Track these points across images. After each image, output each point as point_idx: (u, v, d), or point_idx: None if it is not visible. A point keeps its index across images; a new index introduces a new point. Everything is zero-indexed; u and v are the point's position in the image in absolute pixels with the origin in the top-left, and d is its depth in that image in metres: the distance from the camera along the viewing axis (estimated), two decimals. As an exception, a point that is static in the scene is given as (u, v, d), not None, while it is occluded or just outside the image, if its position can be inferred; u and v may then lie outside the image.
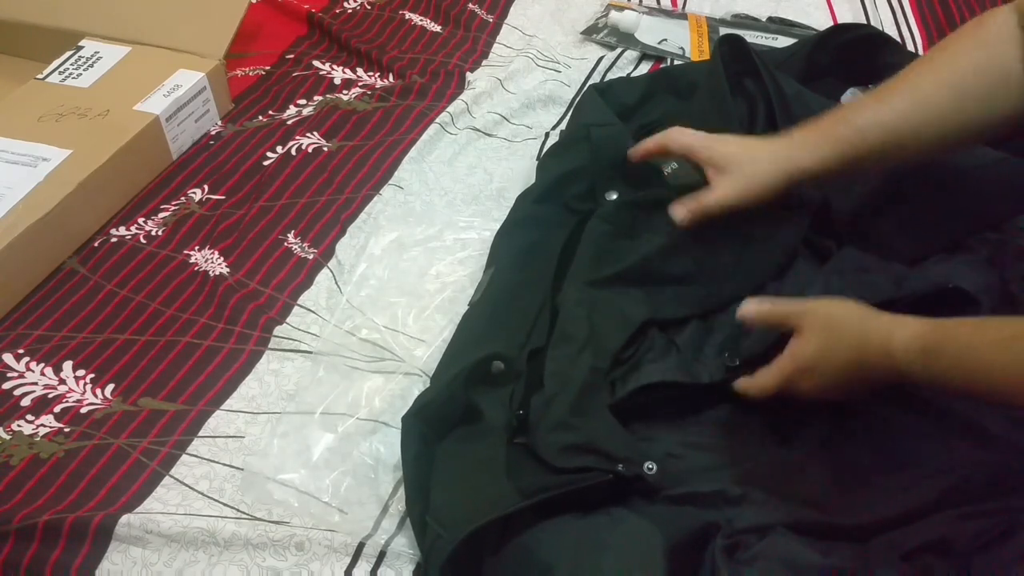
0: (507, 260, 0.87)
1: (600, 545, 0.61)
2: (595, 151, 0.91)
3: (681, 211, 0.79)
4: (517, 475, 0.68)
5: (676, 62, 1.27)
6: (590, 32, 1.35)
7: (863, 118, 0.74)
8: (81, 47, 1.16)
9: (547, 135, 1.13)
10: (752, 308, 0.71)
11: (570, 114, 1.14)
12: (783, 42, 1.25)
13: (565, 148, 0.97)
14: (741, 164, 0.76)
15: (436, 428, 0.72)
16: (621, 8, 1.36)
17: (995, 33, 0.71)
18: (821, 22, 1.35)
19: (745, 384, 0.70)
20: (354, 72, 1.27)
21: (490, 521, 0.62)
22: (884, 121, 0.73)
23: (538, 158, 1.09)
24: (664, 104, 1.04)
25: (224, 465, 0.75)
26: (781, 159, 0.75)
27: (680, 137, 0.81)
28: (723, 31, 1.33)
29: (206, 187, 1.06)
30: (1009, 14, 0.71)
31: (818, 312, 0.67)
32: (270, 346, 0.86)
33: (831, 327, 0.66)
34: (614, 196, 0.89)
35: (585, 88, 1.23)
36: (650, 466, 0.66)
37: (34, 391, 0.82)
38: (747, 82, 0.97)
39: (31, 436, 0.77)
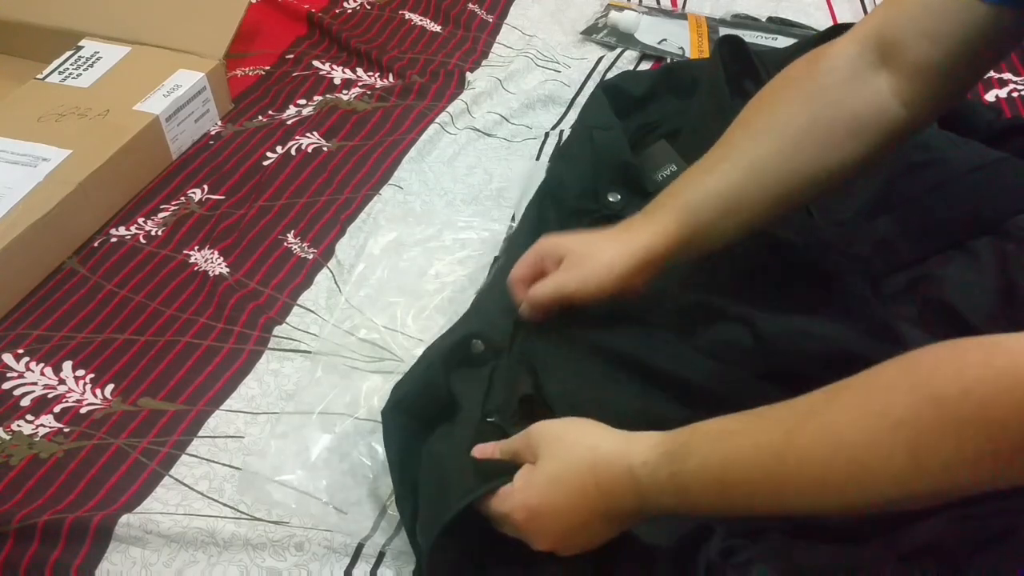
0: (507, 259, 0.87)
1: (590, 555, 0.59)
2: (596, 154, 0.91)
3: (524, 311, 0.74)
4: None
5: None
6: (590, 32, 1.35)
7: (696, 195, 0.68)
8: (81, 47, 1.16)
9: (547, 135, 1.13)
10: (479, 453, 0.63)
11: (579, 113, 1.13)
12: (783, 42, 1.25)
13: (570, 148, 0.97)
14: (577, 256, 0.71)
15: (420, 418, 0.70)
16: (621, 8, 1.36)
17: (830, 79, 0.66)
18: (821, 22, 1.35)
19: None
20: (354, 72, 1.27)
21: (454, 517, 0.59)
22: (719, 192, 0.68)
23: (537, 158, 1.09)
24: (666, 105, 1.04)
25: (224, 465, 0.75)
26: (620, 250, 0.69)
27: (535, 292, 0.73)
28: (723, 31, 1.33)
29: (206, 187, 1.06)
30: (848, 47, 0.67)
31: (543, 433, 0.59)
32: (269, 346, 0.86)
33: (559, 448, 0.58)
34: (617, 197, 0.89)
35: (589, 87, 1.23)
36: None
37: (34, 391, 0.82)
38: (747, 83, 0.97)
39: (31, 436, 0.78)
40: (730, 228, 0.69)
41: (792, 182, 0.67)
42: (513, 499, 0.58)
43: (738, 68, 0.97)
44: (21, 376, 0.83)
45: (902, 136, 0.67)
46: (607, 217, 0.87)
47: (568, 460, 0.57)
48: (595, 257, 0.70)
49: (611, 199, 0.89)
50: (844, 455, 0.46)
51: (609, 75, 1.25)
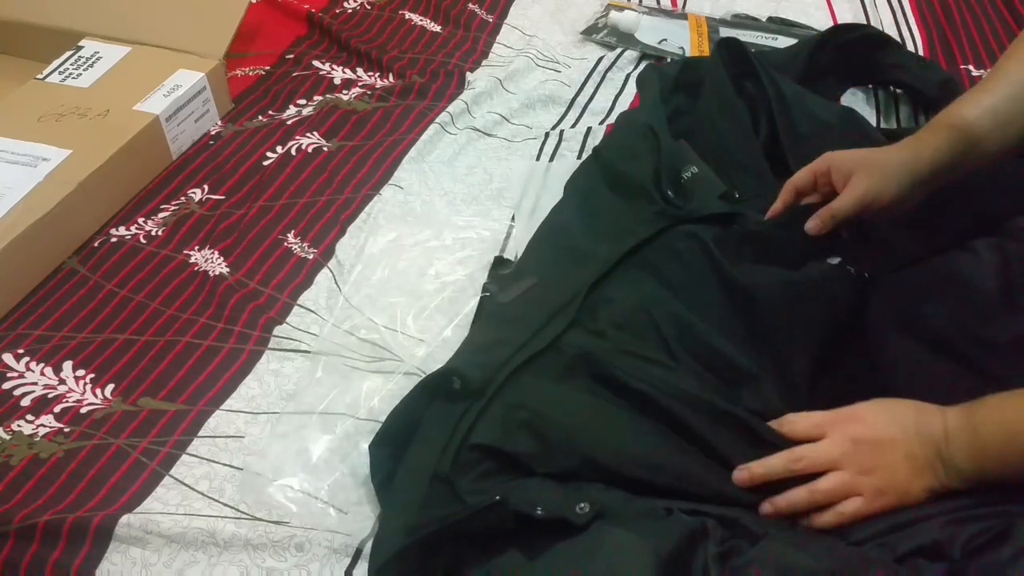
0: (547, 252, 0.88)
1: (586, 562, 0.58)
2: (660, 156, 0.90)
3: (813, 223, 0.78)
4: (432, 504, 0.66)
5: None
6: (590, 32, 1.35)
7: (971, 110, 0.76)
8: (81, 47, 1.16)
9: (547, 135, 1.13)
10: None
11: (638, 95, 1.11)
12: (783, 42, 1.25)
13: (632, 141, 0.95)
14: (866, 165, 0.76)
15: (404, 446, 0.70)
16: (621, 8, 1.36)
17: None
18: (821, 22, 1.35)
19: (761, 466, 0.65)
20: (354, 72, 1.27)
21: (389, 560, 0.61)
22: (990, 107, 0.76)
23: (537, 158, 1.09)
24: (676, 101, 1.03)
25: (224, 465, 0.75)
26: (907, 159, 0.76)
27: (798, 176, 0.81)
28: (723, 31, 1.33)
29: (206, 187, 1.06)
30: None
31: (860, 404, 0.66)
32: (270, 346, 0.86)
33: (877, 401, 0.65)
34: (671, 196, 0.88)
35: (589, 87, 1.22)
36: (583, 506, 0.62)
37: (34, 391, 0.82)
38: (747, 84, 0.97)
39: (31, 436, 0.77)
40: (1000, 142, 0.76)
41: None
42: (841, 434, 0.63)
43: (737, 71, 0.97)
44: (21, 376, 0.83)
45: None
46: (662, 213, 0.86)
47: (893, 402, 0.64)
48: (889, 167, 0.75)
49: (670, 194, 0.88)
50: None
51: (609, 75, 1.25)
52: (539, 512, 0.62)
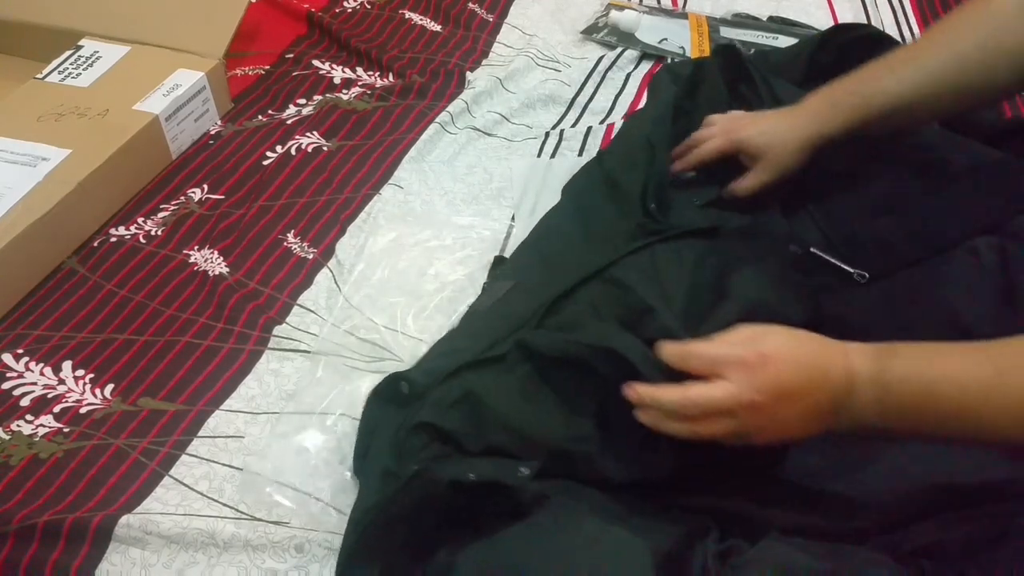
0: (533, 257, 0.89)
1: (584, 560, 0.58)
2: (650, 172, 0.90)
3: (725, 193, 0.86)
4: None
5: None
6: (590, 31, 1.35)
7: (869, 87, 0.79)
8: (80, 47, 1.16)
9: (547, 135, 1.13)
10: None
11: (645, 102, 1.10)
12: (784, 41, 1.25)
13: (632, 150, 0.95)
14: (771, 149, 0.83)
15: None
16: (621, 7, 1.36)
17: (1001, 9, 0.74)
18: (822, 22, 1.35)
19: (649, 392, 0.60)
20: (354, 72, 1.27)
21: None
22: (888, 90, 0.78)
23: (538, 157, 1.09)
24: (684, 101, 1.03)
25: (224, 465, 0.75)
26: (804, 136, 0.81)
27: (710, 146, 0.87)
28: (724, 30, 1.33)
29: (205, 187, 1.06)
30: None
31: (759, 327, 0.61)
32: (269, 346, 0.85)
33: (780, 330, 0.60)
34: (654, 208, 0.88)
35: (590, 86, 1.22)
36: (523, 470, 0.62)
37: (33, 391, 0.82)
38: (742, 88, 0.97)
39: (30, 436, 0.77)
40: (892, 122, 0.80)
41: (957, 93, 0.77)
42: (746, 382, 0.57)
43: (733, 75, 0.98)
44: (21, 376, 0.83)
45: None
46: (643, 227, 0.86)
47: (801, 340, 0.59)
48: (790, 151, 0.82)
49: (652, 207, 0.88)
50: None
51: (609, 75, 1.25)
52: (471, 477, 0.61)
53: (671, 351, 0.60)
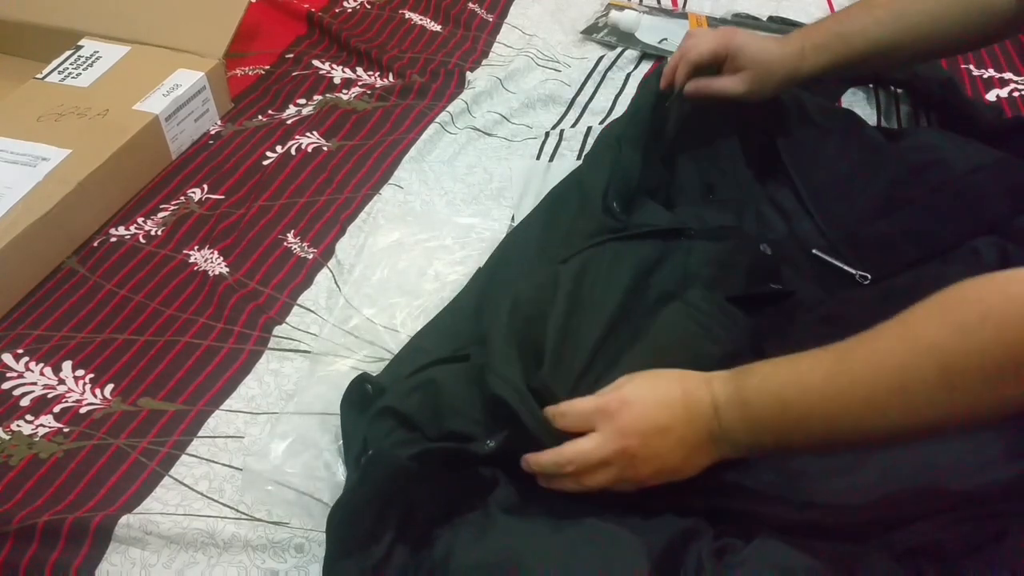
0: (509, 255, 0.89)
1: (580, 558, 0.58)
2: (613, 169, 0.91)
3: (691, 85, 0.89)
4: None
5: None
6: (590, 31, 1.35)
7: (849, 29, 0.83)
8: (80, 47, 1.16)
9: (547, 135, 1.13)
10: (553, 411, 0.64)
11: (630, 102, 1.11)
12: (783, 41, 1.25)
13: (597, 153, 0.96)
14: (757, 68, 0.85)
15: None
16: (621, 7, 1.36)
17: None
18: (821, 21, 1.35)
19: (533, 458, 0.63)
20: (354, 72, 1.27)
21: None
22: (868, 33, 0.83)
23: (538, 157, 1.09)
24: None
25: (224, 465, 0.75)
26: (789, 69, 0.85)
27: (702, 46, 0.88)
28: (723, 30, 1.33)
29: (205, 187, 1.06)
30: None
31: (630, 377, 0.63)
32: (269, 346, 0.85)
33: (646, 377, 0.62)
34: (618, 211, 0.88)
35: (590, 86, 1.22)
36: (489, 443, 0.64)
37: (33, 391, 0.82)
38: None
39: (30, 436, 0.77)
40: (871, 63, 0.87)
41: (933, 39, 0.82)
42: (611, 429, 0.59)
43: None
44: (21, 376, 0.83)
45: (1009, 28, 0.82)
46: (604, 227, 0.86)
47: (659, 379, 0.61)
48: (774, 75, 0.85)
49: (616, 207, 0.88)
50: (885, 378, 0.52)
51: (609, 75, 1.25)
52: (434, 447, 0.63)
53: (551, 412, 0.63)
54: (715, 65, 0.88)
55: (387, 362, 0.83)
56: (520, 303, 0.74)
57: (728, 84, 0.87)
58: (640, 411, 0.59)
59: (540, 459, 0.62)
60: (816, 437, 0.56)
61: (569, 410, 0.62)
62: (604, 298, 0.76)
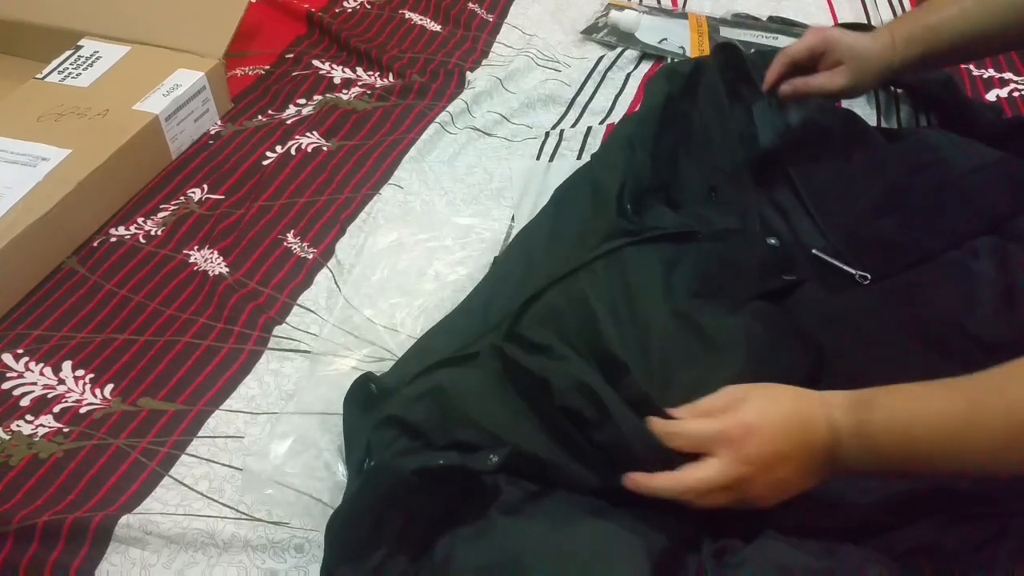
0: (514, 256, 0.89)
1: (579, 557, 0.58)
2: (626, 172, 0.90)
3: (787, 87, 0.88)
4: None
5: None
6: (590, 31, 1.35)
7: (937, 20, 0.84)
8: (80, 47, 1.16)
9: (547, 135, 1.13)
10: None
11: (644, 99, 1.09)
12: (784, 42, 1.25)
13: (613, 153, 0.95)
14: (855, 60, 0.85)
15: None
16: (621, 7, 1.36)
17: None
18: (822, 22, 1.35)
19: (644, 481, 0.60)
20: (354, 72, 1.27)
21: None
22: (956, 23, 0.83)
23: (538, 158, 1.09)
24: (684, 102, 1.03)
25: (224, 465, 0.75)
26: (883, 62, 0.85)
27: (799, 44, 0.89)
28: (724, 31, 1.33)
29: (205, 187, 1.06)
30: None
31: (743, 389, 0.61)
32: (269, 346, 0.85)
33: (762, 393, 0.61)
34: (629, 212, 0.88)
35: (590, 86, 1.22)
36: (492, 457, 0.63)
37: (33, 391, 0.82)
38: (742, 88, 0.97)
39: (30, 436, 0.77)
40: (958, 57, 0.90)
41: (1018, 31, 0.83)
42: (732, 457, 0.58)
43: (735, 75, 0.98)
44: (21, 376, 0.83)
45: None
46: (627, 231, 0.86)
47: (778, 404, 0.60)
48: (871, 65, 0.85)
49: (629, 209, 0.88)
50: (1020, 432, 0.53)
51: (609, 75, 1.25)
52: (440, 462, 0.62)
53: (659, 429, 0.60)
54: (811, 63, 0.88)
55: (387, 362, 0.83)
56: (560, 315, 0.75)
57: (827, 80, 0.87)
58: (762, 439, 0.58)
59: (653, 484, 0.59)
60: (935, 471, 0.58)
61: (682, 431, 0.59)
62: (648, 308, 0.76)
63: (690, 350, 0.73)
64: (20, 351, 0.85)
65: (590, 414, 0.63)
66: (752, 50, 1.10)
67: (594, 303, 0.76)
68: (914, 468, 0.58)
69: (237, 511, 0.71)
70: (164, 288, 0.92)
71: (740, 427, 0.58)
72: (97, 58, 1.14)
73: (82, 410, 0.80)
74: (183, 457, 0.76)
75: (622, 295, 0.78)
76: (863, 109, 1.11)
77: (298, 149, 1.10)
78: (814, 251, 0.85)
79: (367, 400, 0.74)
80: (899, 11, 1.39)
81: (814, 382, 0.71)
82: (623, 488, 0.62)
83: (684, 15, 1.39)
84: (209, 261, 0.95)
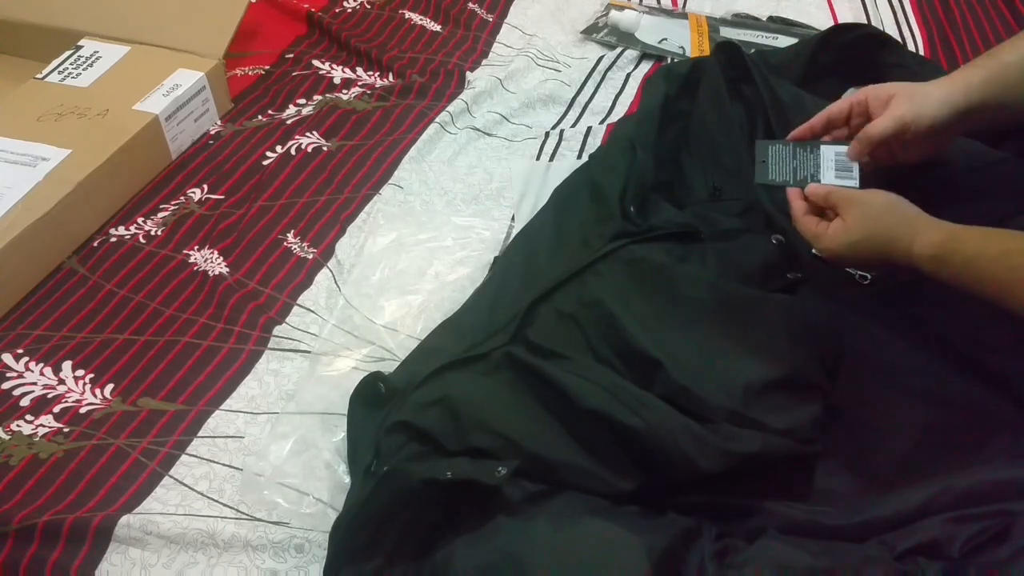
0: (516, 257, 0.89)
1: (579, 557, 0.58)
2: (629, 173, 0.90)
3: (853, 148, 0.80)
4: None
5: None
6: (590, 31, 1.35)
7: (1009, 54, 0.79)
8: (80, 47, 1.16)
9: (547, 135, 1.13)
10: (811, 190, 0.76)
11: (640, 103, 1.08)
12: (784, 41, 1.25)
13: (614, 156, 0.95)
14: (905, 89, 0.78)
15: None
16: (621, 7, 1.36)
17: None
18: (822, 22, 1.35)
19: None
20: (354, 71, 1.27)
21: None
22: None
23: (538, 158, 1.09)
24: (683, 101, 1.03)
25: (224, 465, 0.75)
26: (943, 91, 0.78)
27: (841, 102, 0.83)
28: (724, 31, 1.33)
29: (205, 187, 1.06)
30: None
31: (864, 203, 0.73)
32: (269, 346, 0.85)
33: (869, 220, 0.72)
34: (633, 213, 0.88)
35: (590, 86, 1.22)
36: (500, 469, 0.63)
37: (33, 391, 0.82)
38: (744, 88, 0.97)
39: (30, 436, 0.77)
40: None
41: None
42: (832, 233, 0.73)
43: (735, 74, 0.97)
44: (21, 376, 0.83)
45: None
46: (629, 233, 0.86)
47: (872, 232, 0.72)
48: (927, 94, 0.77)
49: (632, 211, 0.88)
50: None
51: (609, 75, 1.25)
52: (448, 475, 0.62)
53: (814, 193, 0.76)
54: (852, 122, 0.82)
55: (387, 362, 0.83)
56: (578, 323, 0.75)
57: (884, 119, 0.78)
58: (867, 237, 0.71)
59: (802, 220, 0.76)
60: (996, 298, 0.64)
61: (835, 195, 0.74)
62: (667, 298, 0.78)
63: (729, 332, 0.74)
64: (20, 351, 0.85)
65: (624, 418, 0.65)
66: (752, 50, 1.10)
67: (610, 305, 0.76)
68: (977, 290, 0.65)
69: (237, 511, 0.71)
70: (164, 288, 0.92)
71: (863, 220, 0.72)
72: (97, 58, 1.14)
73: (82, 410, 0.80)
74: (183, 457, 0.76)
75: (636, 292, 0.78)
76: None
77: (298, 149, 1.10)
78: (814, 251, 0.85)
79: (374, 399, 0.74)
80: (899, 11, 1.39)
81: (834, 373, 0.71)
82: (640, 489, 0.64)
83: (684, 15, 1.39)
84: (209, 261, 0.95)
